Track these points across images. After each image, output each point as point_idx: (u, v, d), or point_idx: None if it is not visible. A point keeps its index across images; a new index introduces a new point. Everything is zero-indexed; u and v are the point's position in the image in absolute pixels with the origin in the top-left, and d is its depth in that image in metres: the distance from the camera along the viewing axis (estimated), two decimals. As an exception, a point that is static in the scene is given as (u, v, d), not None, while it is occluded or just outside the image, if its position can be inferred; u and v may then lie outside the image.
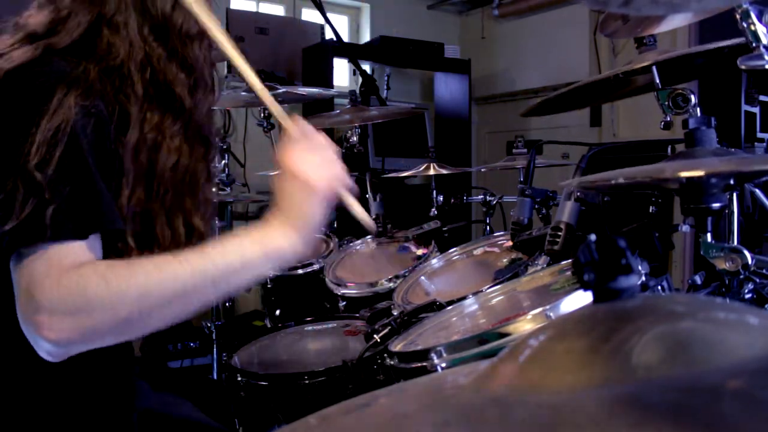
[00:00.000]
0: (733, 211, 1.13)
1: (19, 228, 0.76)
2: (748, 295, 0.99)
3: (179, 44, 0.95)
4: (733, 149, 1.10)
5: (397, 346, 1.06)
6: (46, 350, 0.77)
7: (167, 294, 0.79)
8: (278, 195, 0.89)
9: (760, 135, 3.00)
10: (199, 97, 0.99)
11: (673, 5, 0.35)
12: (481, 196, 2.22)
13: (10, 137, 0.80)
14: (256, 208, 3.45)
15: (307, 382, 1.27)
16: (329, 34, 3.23)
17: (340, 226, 2.47)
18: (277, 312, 1.97)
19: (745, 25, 0.92)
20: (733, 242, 1.12)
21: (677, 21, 1.31)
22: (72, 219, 0.78)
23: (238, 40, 3.58)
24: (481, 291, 1.24)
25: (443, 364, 0.91)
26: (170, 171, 0.95)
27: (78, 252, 0.78)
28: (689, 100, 1.10)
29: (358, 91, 2.25)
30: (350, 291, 1.72)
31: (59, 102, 0.81)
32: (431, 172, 2.31)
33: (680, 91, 1.11)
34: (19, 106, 0.82)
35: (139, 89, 0.91)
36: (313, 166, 0.88)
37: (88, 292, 0.75)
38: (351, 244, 2.03)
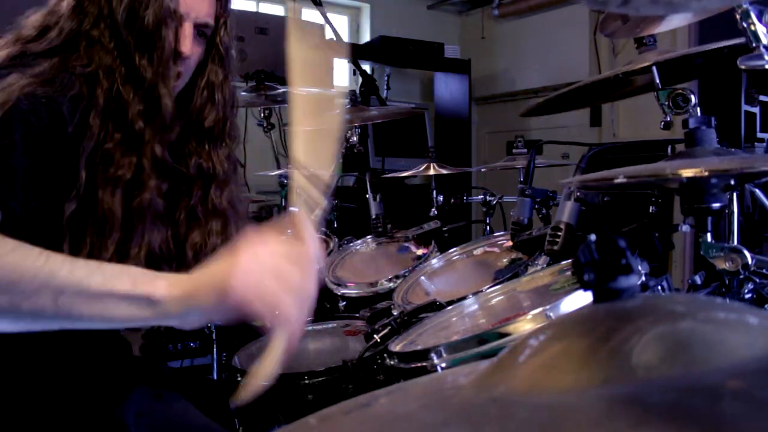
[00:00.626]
0: (733, 211, 1.13)
1: None
2: (748, 295, 0.99)
3: (143, 69, 0.93)
4: (733, 149, 1.10)
5: (397, 346, 1.06)
6: None
7: None
8: (212, 261, 0.73)
9: (760, 135, 3.00)
10: (157, 127, 0.95)
11: (672, 5, 0.35)
12: (481, 196, 2.22)
13: None
14: (256, 208, 3.45)
15: (307, 382, 1.27)
16: (329, 34, 3.23)
17: (340, 226, 2.46)
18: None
19: (745, 25, 0.92)
20: (733, 242, 1.12)
21: (677, 21, 1.31)
22: None
23: (238, 40, 3.58)
24: (481, 291, 1.24)
25: (443, 364, 0.91)
26: (124, 195, 0.91)
27: None
28: (689, 100, 1.10)
29: (358, 91, 2.25)
30: (350, 291, 1.72)
31: (7, 85, 0.81)
32: (431, 172, 2.31)
33: (680, 91, 1.11)
34: None
35: (100, 102, 0.90)
36: (269, 270, 0.71)
37: None
38: (351, 244, 2.03)
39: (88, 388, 0.98)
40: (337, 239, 2.08)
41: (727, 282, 0.99)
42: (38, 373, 0.92)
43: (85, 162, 0.88)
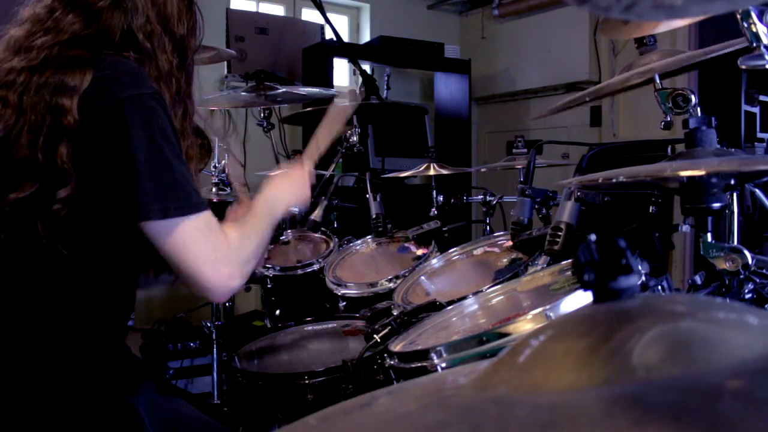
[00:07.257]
0: (733, 211, 1.13)
1: (170, 202, 0.93)
2: (748, 295, 0.99)
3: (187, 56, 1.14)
4: (733, 149, 1.10)
5: (397, 346, 1.06)
6: (224, 295, 1.02)
7: (265, 241, 1.13)
8: (272, 181, 1.23)
9: (760, 135, 3.00)
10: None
11: (674, 10, 0.35)
12: (481, 196, 2.22)
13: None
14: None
15: (307, 382, 1.27)
16: (329, 34, 3.23)
17: (340, 226, 2.47)
18: (277, 312, 1.97)
19: (745, 25, 0.92)
20: (733, 242, 1.12)
21: (677, 21, 1.31)
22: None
23: (238, 40, 3.58)
24: (481, 291, 1.24)
25: (443, 364, 0.90)
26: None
27: (212, 217, 1.01)
28: (689, 100, 1.10)
29: (358, 91, 2.24)
30: (350, 291, 1.72)
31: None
32: (431, 172, 2.31)
33: (680, 91, 1.11)
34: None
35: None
36: (298, 185, 1.28)
37: (248, 247, 1.07)
38: (351, 244, 2.03)
39: (102, 380, 0.99)
40: (337, 239, 2.08)
41: (727, 282, 0.99)
42: (53, 367, 0.93)
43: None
